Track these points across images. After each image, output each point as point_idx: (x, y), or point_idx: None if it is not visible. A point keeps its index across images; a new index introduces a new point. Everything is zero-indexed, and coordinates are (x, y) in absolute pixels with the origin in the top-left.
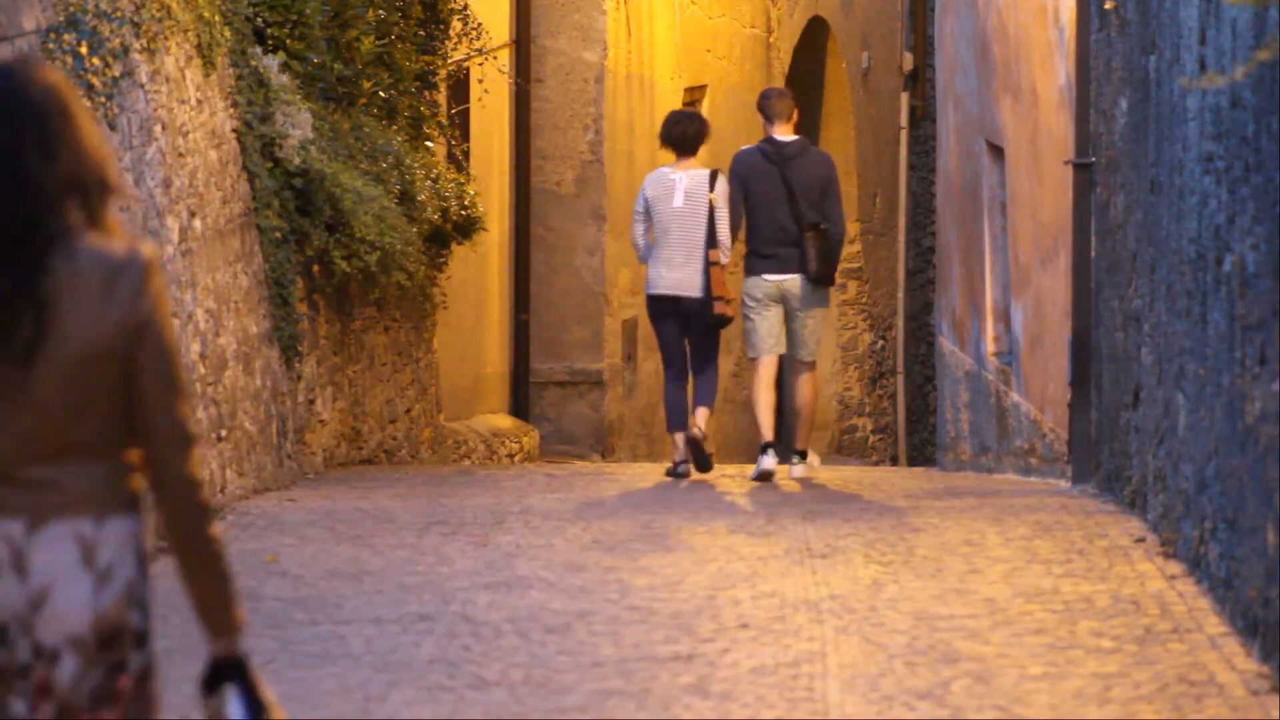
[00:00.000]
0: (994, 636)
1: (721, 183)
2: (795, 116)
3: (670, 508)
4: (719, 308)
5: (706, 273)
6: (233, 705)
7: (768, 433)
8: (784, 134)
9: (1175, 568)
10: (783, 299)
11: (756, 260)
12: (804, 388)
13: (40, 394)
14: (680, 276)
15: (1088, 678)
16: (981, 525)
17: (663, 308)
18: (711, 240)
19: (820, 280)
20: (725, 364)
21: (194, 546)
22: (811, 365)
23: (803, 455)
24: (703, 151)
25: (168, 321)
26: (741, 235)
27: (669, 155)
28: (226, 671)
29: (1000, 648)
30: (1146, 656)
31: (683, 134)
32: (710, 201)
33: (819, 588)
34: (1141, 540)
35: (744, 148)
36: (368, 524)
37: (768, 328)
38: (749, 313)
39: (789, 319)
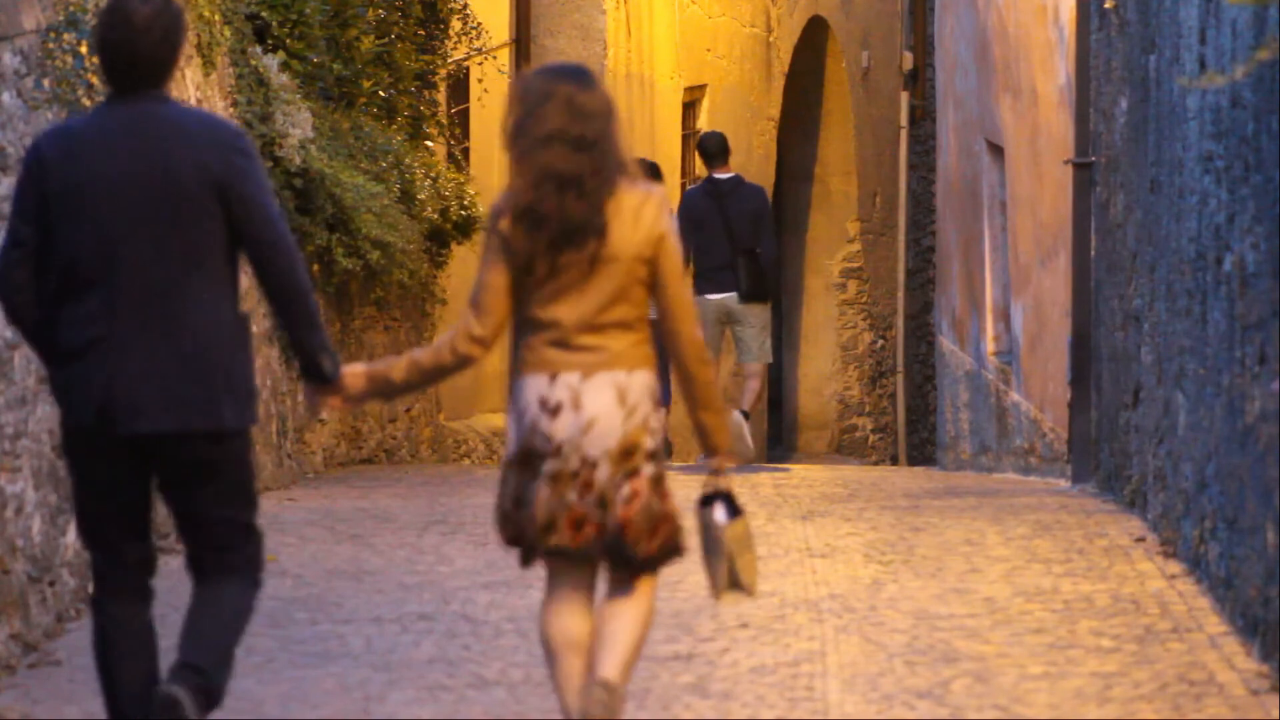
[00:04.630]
0: (994, 636)
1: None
2: (730, 156)
3: None
4: None
5: None
6: (719, 511)
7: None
8: (722, 173)
9: (1175, 567)
10: (727, 314)
11: (701, 282)
12: (751, 389)
13: (596, 286)
14: None
15: (1088, 677)
16: (981, 525)
17: None
18: None
19: (750, 297)
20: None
21: (698, 386)
22: (757, 370)
23: (746, 415)
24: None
25: (675, 235)
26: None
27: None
28: (718, 484)
29: (1000, 647)
30: (1146, 656)
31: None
32: None
33: (819, 587)
34: (1141, 540)
35: (690, 188)
36: (368, 523)
37: (708, 341)
38: None
39: (733, 329)
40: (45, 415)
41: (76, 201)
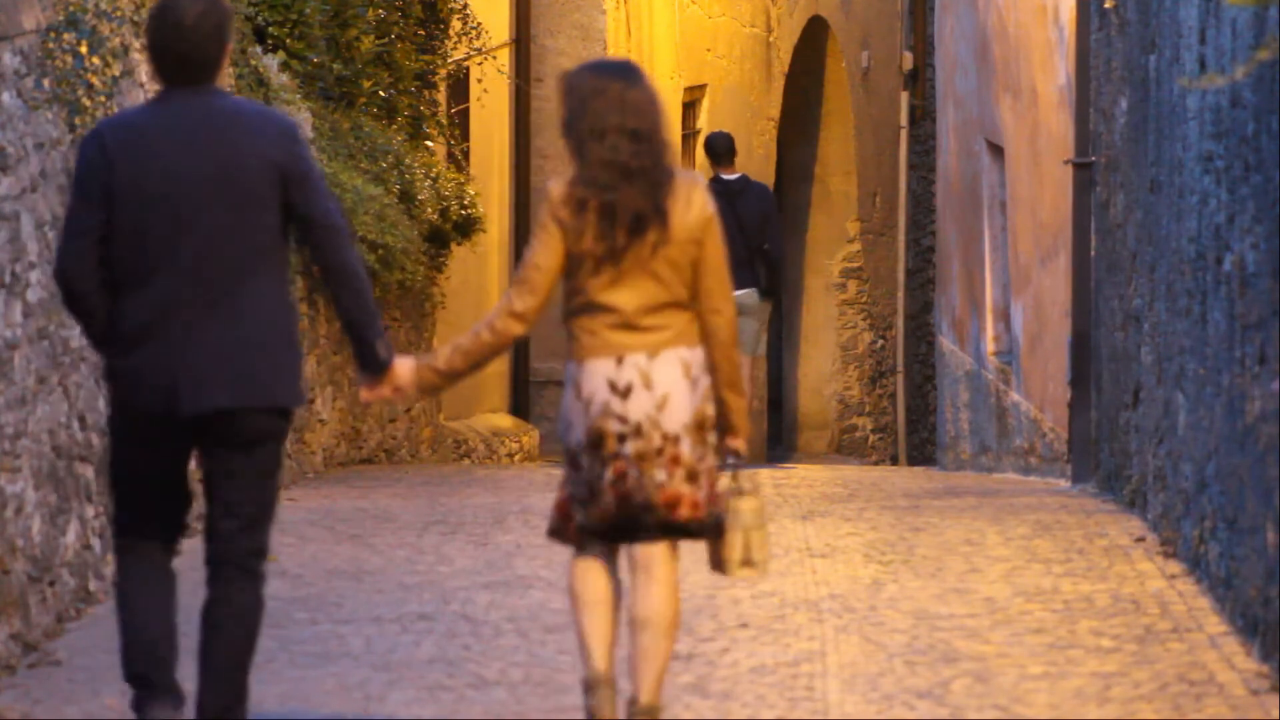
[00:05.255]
0: (994, 636)
1: None
2: (736, 155)
3: None
4: None
5: None
6: (735, 488)
7: None
8: (729, 173)
9: (1175, 567)
10: (738, 310)
11: None
12: (744, 380)
13: (655, 270)
14: None
15: (1087, 677)
16: (981, 525)
17: None
18: None
19: (769, 293)
20: None
21: (729, 369)
22: (752, 359)
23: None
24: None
25: (718, 219)
26: None
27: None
28: (734, 457)
29: (1000, 647)
30: (1146, 656)
31: None
32: None
33: (819, 587)
34: (1141, 539)
35: None
36: (368, 523)
37: None
38: None
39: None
40: (45, 415)
41: (142, 190)
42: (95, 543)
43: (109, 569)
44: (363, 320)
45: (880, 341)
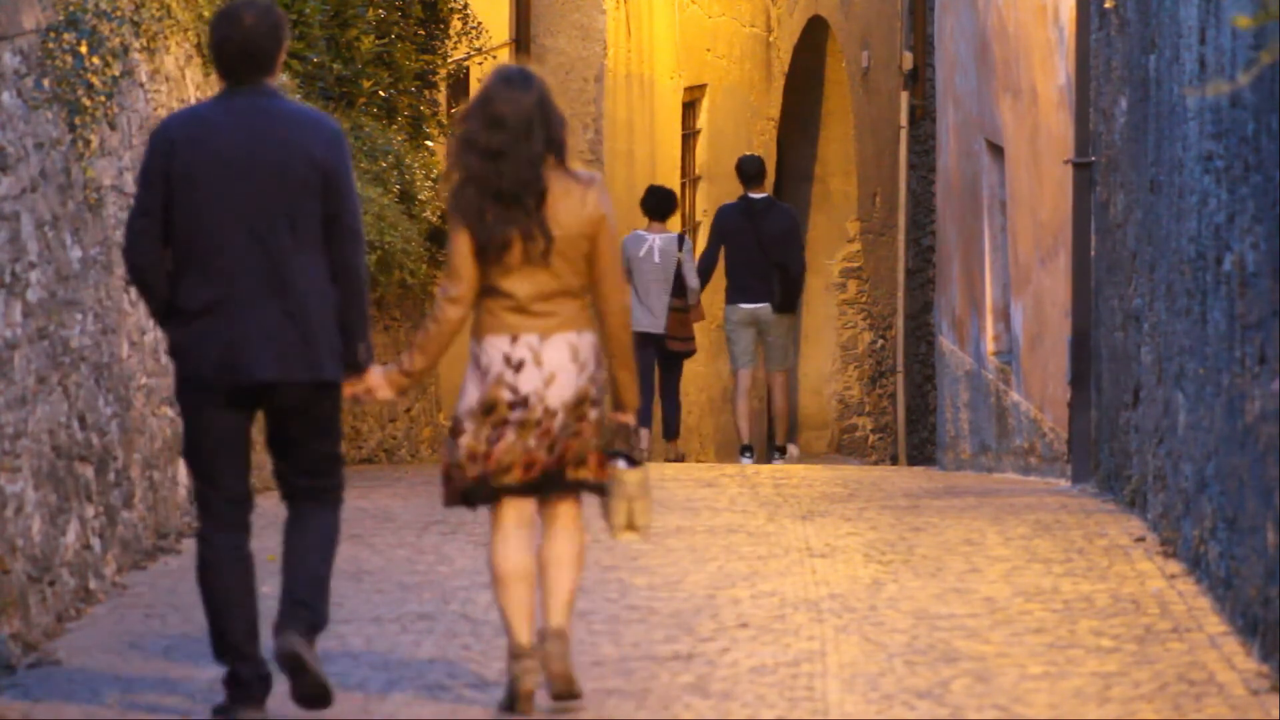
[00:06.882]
0: (994, 636)
1: (688, 243)
2: (767, 178)
3: (670, 507)
4: (672, 345)
5: (667, 316)
6: (621, 461)
7: (746, 436)
8: (757, 193)
9: (1175, 567)
10: (755, 322)
11: (735, 291)
12: (778, 393)
13: (547, 263)
14: (657, 319)
15: (1087, 677)
16: (981, 524)
17: (643, 341)
18: (679, 290)
19: (783, 308)
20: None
21: (619, 350)
22: (784, 373)
23: (782, 451)
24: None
25: (613, 217)
26: (721, 270)
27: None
28: (625, 436)
29: (1000, 647)
30: (1146, 656)
31: (656, 204)
32: (678, 260)
33: (819, 587)
34: (1141, 539)
35: (725, 204)
36: (368, 523)
37: (744, 345)
38: (730, 333)
39: (762, 336)
40: (45, 415)
41: (201, 179)
42: (95, 543)
43: (109, 569)
44: (353, 322)
45: (880, 341)
